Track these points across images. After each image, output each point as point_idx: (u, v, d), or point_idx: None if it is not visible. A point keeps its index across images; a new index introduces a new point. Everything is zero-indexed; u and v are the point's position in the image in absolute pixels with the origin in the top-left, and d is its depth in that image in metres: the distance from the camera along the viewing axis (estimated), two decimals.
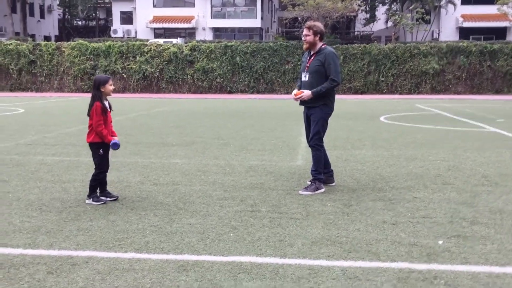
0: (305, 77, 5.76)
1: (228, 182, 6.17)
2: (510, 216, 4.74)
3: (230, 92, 29.05)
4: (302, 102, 5.73)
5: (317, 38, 5.63)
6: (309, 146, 5.82)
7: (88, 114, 5.20)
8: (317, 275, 3.41)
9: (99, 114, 5.08)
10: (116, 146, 5.10)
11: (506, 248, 3.91)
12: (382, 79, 28.24)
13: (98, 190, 5.22)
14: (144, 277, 3.38)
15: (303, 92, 5.63)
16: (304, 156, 7.98)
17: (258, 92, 29.00)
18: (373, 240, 4.09)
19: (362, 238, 4.15)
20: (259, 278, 3.37)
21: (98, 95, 5.16)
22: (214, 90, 29.17)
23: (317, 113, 5.68)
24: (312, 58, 5.73)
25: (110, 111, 5.28)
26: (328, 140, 9.72)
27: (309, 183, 5.80)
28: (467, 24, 40.57)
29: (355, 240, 4.10)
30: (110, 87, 5.19)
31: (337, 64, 5.60)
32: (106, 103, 5.22)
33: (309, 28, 5.64)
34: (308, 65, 5.74)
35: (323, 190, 5.67)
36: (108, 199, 5.24)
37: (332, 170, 6.05)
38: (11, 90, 29.95)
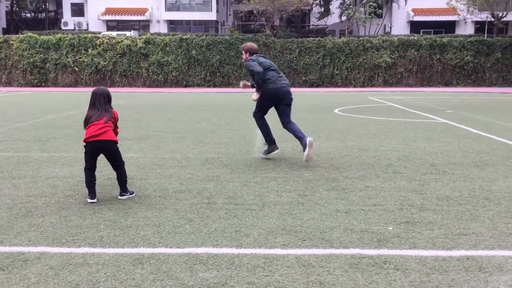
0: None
1: (184, 175, 6.16)
2: (456, 203, 4.95)
3: (186, 86, 28.84)
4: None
5: (247, 55, 7.21)
6: None
7: (111, 120, 5.07)
8: (272, 264, 3.47)
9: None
10: None
11: (452, 233, 4.09)
12: (337, 72, 28.70)
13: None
14: (99, 271, 3.36)
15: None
16: (260, 149, 8.04)
17: (215, 86, 28.92)
18: (327, 228, 4.19)
19: (316, 226, 4.24)
20: (215, 268, 3.40)
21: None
22: (169, 84, 28.88)
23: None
24: None
25: None
26: (284, 132, 9.82)
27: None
28: (417, 18, 41.72)
29: (310, 228, 4.19)
30: None
31: (250, 65, 6.96)
32: None
33: (242, 49, 7.32)
34: None
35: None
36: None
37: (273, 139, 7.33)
38: None
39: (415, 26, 42.10)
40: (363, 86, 28.65)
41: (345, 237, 3.98)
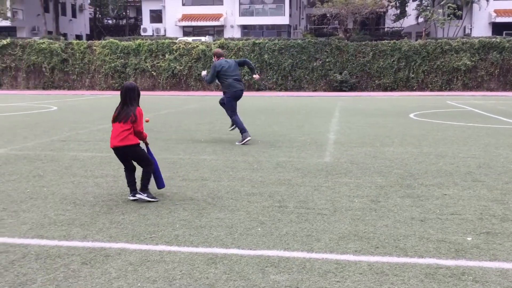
0: None
1: (256, 178, 6.23)
2: None
3: (258, 90, 29.12)
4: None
5: (215, 58, 9.05)
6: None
7: (128, 121, 5.05)
8: (344, 270, 3.44)
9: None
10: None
11: None
12: (413, 75, 27.87)
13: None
14: (175, 268, 3.48)
15: None
16: (332, 153, 7.98)
17: (286, 90, 28.98)
18: (401, 236, 4.09)
19: (389, 234, 4.15)
20: (286, 271, 3.42)
21: (138, 101, 5.31)
22: None
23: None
24: None
25: None
26: (356, 137, 9.72)
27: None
28: (500, 19, 39.62)
29: (383, 235, 4.11)
30: None
31: (212, 67, 8.93)
32: None
33: (213, 54, 9.22)
34: None
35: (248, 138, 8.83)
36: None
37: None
38: (44, 88, 30.73)
39: (497, 28, 39.99)
40: (440, 90, 27.62)
41: (420, 246, 3.87)
